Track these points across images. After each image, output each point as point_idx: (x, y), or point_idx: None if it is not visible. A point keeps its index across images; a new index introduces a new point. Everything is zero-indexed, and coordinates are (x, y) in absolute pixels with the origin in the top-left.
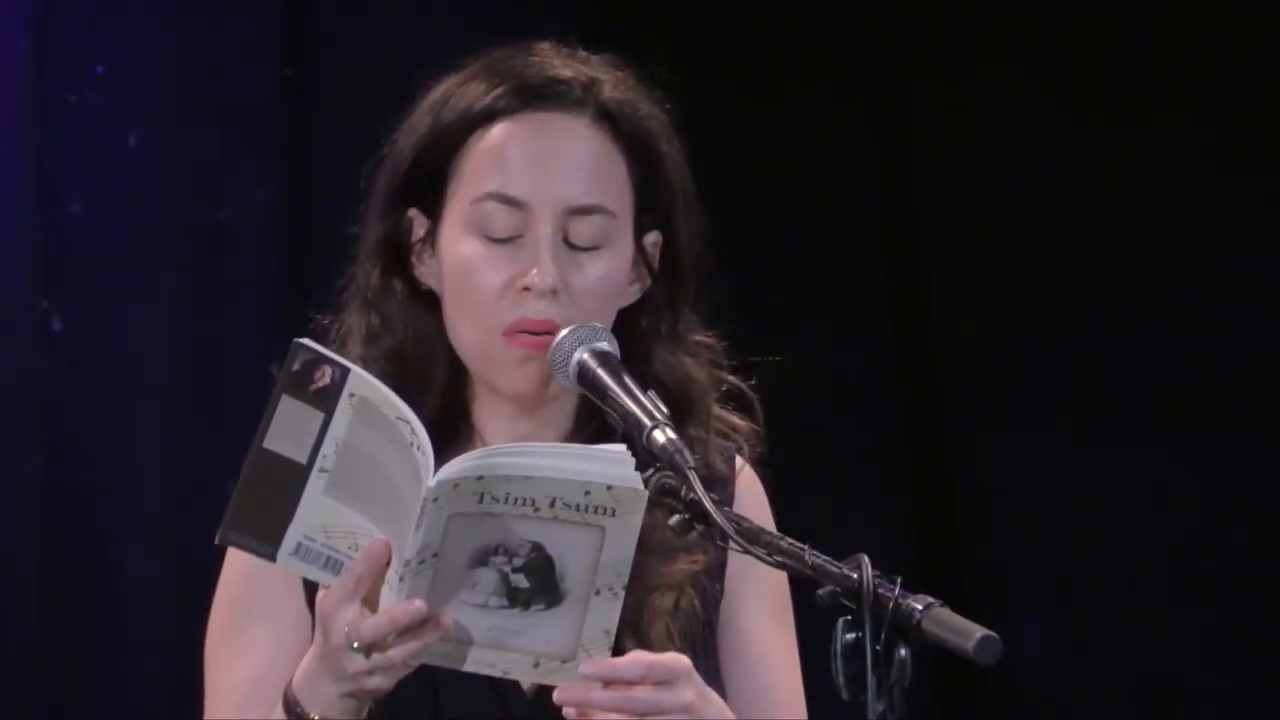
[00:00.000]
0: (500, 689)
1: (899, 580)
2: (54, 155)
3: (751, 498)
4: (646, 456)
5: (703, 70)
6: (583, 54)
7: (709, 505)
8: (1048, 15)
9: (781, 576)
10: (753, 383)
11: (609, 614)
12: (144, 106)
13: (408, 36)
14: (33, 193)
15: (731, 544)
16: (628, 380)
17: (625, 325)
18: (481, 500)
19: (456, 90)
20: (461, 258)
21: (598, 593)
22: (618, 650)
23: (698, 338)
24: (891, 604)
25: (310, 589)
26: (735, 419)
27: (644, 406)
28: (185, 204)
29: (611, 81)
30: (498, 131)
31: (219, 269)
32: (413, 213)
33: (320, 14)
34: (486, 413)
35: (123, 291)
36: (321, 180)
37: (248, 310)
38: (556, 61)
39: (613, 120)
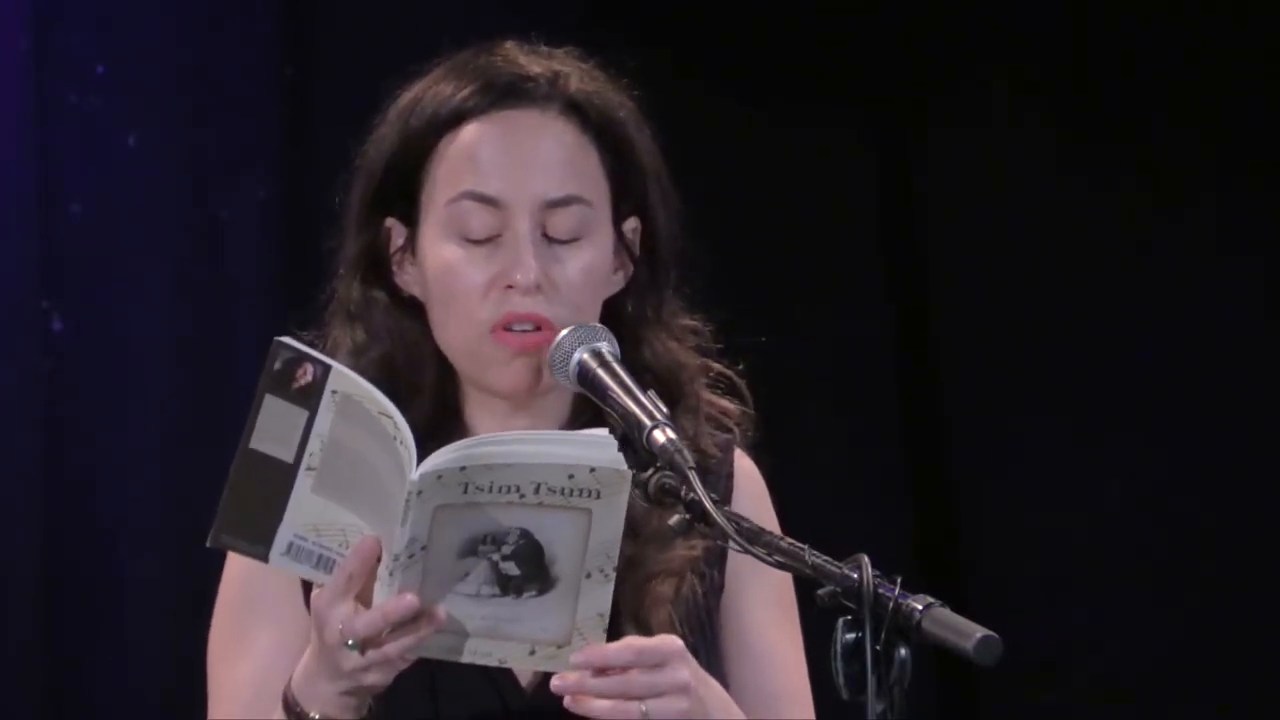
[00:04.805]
0: (498, 683)
1: (899, 580)
2: (54, 155)
3: (753, 489)
4: (646, 456)
5: (705, 72)
6: (545, 49)
7: (709, 505)
8: (1047, 16)
9: (784, 573)
10: (741, 368)
11: (601, 597)
12: (144, 106)
13: (408, 36)
14: (33, 193)
15: (731, 544)
16: (627, 380)
17: (611, 312)
18: (466, 490)
19: (423, 95)
20: (442, 261)
21: (588, 576)
22: (620, 638)
23: (684, 321)
24: (891, 604)
25: (308, 589)
26: (726, 402)
27: (644, 406)
28: (185, 204)
29: (577, 73)
30: (467, 132)
31: (219, 268)
32: (390, 222)
33: (320, 14)
34: (479, 412)
35: (123, 291)
36: (321, 180)
37: (248, 310)
38: (521, 58)
39: (581, 111)
